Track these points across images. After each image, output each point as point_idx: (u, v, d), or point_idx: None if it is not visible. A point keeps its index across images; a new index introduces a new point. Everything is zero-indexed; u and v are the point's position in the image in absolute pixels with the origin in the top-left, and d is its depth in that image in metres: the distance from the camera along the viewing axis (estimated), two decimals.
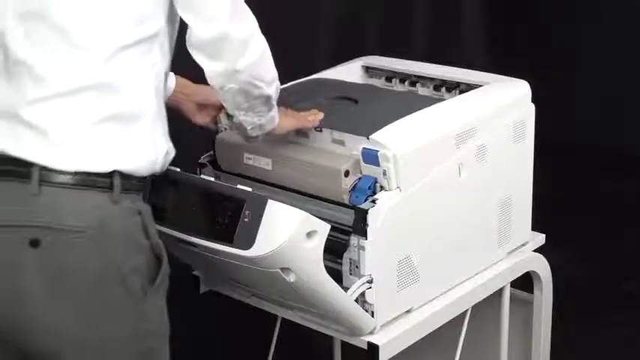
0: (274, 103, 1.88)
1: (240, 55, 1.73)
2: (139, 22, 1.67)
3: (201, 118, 2.14)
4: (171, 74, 2.09)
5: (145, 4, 1.68)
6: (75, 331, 1.67)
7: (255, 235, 1.76)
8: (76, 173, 1.64)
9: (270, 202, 1.76)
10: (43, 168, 1.64)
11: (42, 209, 1.64)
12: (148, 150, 1.72)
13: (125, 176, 1.67)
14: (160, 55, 1.73)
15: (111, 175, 1.66)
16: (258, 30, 1.77)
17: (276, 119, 1.92)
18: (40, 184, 1.64)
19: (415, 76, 2.36)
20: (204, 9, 1.70)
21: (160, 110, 1.76)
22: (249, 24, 1.75)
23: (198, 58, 1.74)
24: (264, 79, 1.79)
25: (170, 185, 1.91)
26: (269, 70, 1.81)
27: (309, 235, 1.77)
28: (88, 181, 1.65)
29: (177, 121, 2.31)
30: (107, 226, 1.66)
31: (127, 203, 1.68)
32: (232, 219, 1.79)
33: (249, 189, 1.81)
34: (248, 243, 1.77)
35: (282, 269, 1.78)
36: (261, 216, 1.76)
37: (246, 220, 1.78)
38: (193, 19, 1.70)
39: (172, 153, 1.80)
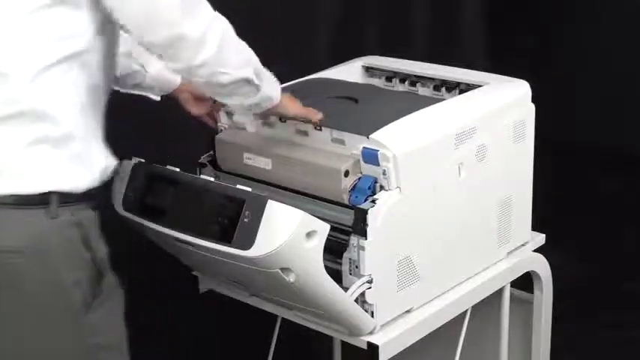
0: (260, 82, 1.81)
1: (197, 53, 1.68)
2: (59, 41, 1.64)
3: (197, 109, 2.14)
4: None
5: (63, 23, 1.64)
6: (15, 351, 1.66)
7: (255, 235, 1.76)
8: (11, 196, 1.63)
9: (270, 202, 1.75)
10: None
11: None
12: (84, 168, 1.70)
13: (62, 194, 1.66)
14: (87, 71, 1.69)
15: (47, 194, 1.65)
16: (214, 15, 1.70)
17: (273, 98, 1.88)
18: None
19: (415, 76, 2.36)
20: (153, 15, 1.63)
21: (94, 126, 1.74)
22: (202, 17, 1.67)
23: (153, 55, 1.72)
24: (230, 65, 1.73)
25: (169, 185, 1.91)
26: (233, 55, 1.74)
27: (309, 235, 1.77)
28: (22, 200, 1.64)
29: (177, 122, 2.33)
30: (44, 242, 1.64)
31: (65, 216, 1.66)
32: (232, 219, 1.79)
33: (249, 189, 1.81)
34: (248, 243, 1.76)
35: (282, 269, 1.78)
36: (260, 216, 1.75)
37: (245, 220, 1.77)
38: (141, 25, 1.65)
39: (112, 166, 1.77)
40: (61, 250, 1.66)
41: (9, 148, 1.64)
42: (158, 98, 2.15)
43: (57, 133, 1.65)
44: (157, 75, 2.09)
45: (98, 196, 1.74)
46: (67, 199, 1.66)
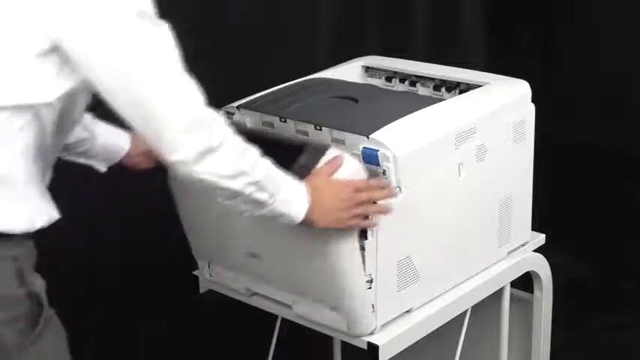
0: (262, 196, 1.71)
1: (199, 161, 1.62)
2: (25, 87, 1.58)
3: (146, 161, 2.08)
4: (123, 133, 2.03)
5: (42, 74, 1.58)
6: None
7: (310, 172, 1.83)
8: None
9: (331, 149, 1.85)
10: None
11: None
12: (22, 214, 1.63)
13: None
14: (39, 123, 1.62)
15: None
16: (217, 125, 1.65)
17: (292, 216, 1.77)
18: None
19: (415, 76, 2.36)
20: (154, 132, 1.60)
21: (37, 177, 1.67)
22: (202, 133, 1.61)
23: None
24: (217, 173, 1.65)
25: None
26: (225, 163, 1.66)
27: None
28: None
29: None
30: None
31: None
32: (288, 162, 1.83)
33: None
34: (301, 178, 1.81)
35: None
36: (319, 159, 1.83)
37: (302, 162, 1.84)
38: (137, 124, 1.61)
39: (55, 217, 1.70)
40: None
41: None
42: (104, 169, 2.07)
43: None
44: (106, 144, 2.03)
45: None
46: (1, 235, 1.60)
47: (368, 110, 2.10)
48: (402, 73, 2.38)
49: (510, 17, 3.93)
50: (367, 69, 2.44)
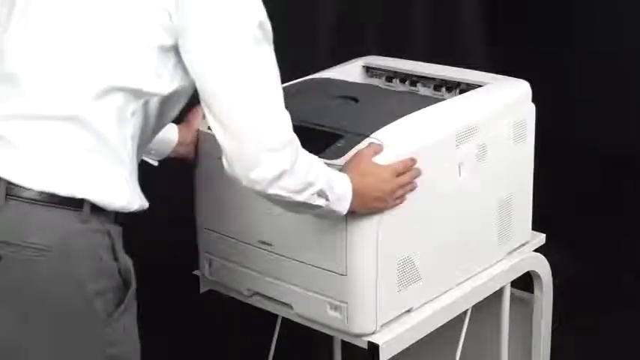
0: (320, 201, 1.78)
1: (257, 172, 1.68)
2: (147, 77, 1.66)
3: (192, 153, 2.13)
4: (172, 125, 2.07)
5: (161, 66, 1.67)
6: (33, 353, 1.63)
7: (346, 152, 1.88)
8: (42, 193, 1.61)
9: (368, 139, 1.89)
10: (10, 183, 1.61)
11: (5, 223, 1.61)
12: (123, 191, 1.69)
13: (96, 204, 1.65)
14: (146, 111, 1.70)
15: (81, 200, 1.63)
16: (296, 145, 1.71)
17: (337, 212, 1.82)
18: (7, 198, 1.61)
19: (415, 76, 2.36)
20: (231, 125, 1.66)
21: (135, 163, 1.74)
22: (288, 152, 1.68)
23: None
24: (288, 189, 1.72)
25: None
26: (295, 179, 1.72)
27: None
28: (55, 199, 1.61)
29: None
30: (72, 246, 1.62)
31: (95, 224, 1.64)
32: (323, 144, 1.90)
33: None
34: (338, 155, 1.87)
35: None
36: (355, 144, 1.89)
37: (339, 145, 1.90)
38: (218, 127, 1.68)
39: (146, 206, 1.76)
40: (89, 256, 1.64)
41: (52, 145, 1.63)
42: (156, 163, 2.12)
43: (108, 151, 1.66)
44: (157, 137, 2.02)
45: (123, 218, 1.73)
46: (98, 209, 1.65)
47: (368, 110, 2.11)
48: (402, 73, 2.38)
49: (510, 17, 3.93)
50: (367, 69, 2.44)
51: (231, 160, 1.68)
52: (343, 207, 1.82)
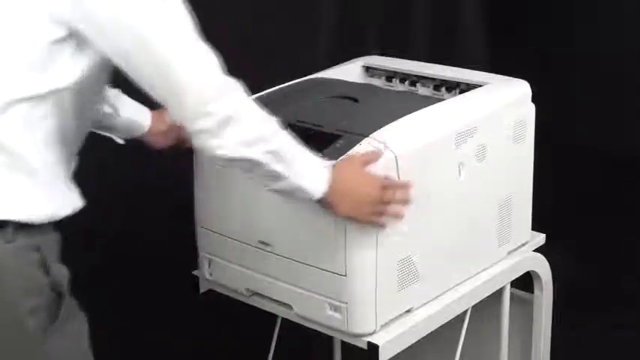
0: (280, 169, 1.72)
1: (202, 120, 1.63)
2: (43, 75, 1.61)
3: (164, 142, 2.13)
4: (146, 110, 2.08)
5: (59, 60, 1.62)
6: None
7: (347, 151, 1.87)
8: None
9: (367, 139, 1.89)
10: None
11: None
12: (44, 203, 1.66)
13: (19, 222, 1.62)
14: (60, 109, 1.66)
15: (3, 220, 1.60)
16: (239, 93, 1.68)
17: (308, 191, 1.76)
18: None
19: (415, 76, 2.36)
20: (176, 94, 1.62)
21: (61, 164, 1.70)
22: (228, 98, 1.64)
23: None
24: (230, 140, 1.66)
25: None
26: (240, 132, 1.66)
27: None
28: None
29: None
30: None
31: (22, 241, 1.61)
32: (323, 144, 1.89)
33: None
34: (335, 157, 1.86)
35: None
36: (354, 144, 1.88)
37: (338, 145, 1.89)
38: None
39: (79, 206, 1.73)
40: (16, 275, 1.60)
41: None
42: (122, 142, 2.11)
43: (19, 164, 1.62)
44: (129, 119, 2.07)
45: (60, 223, 1.69)
46: (24, 225, 1.62)
47: (368, 110, 2.11)
48: (402, 73, 2.38)
49: (510, 17, 3.93)
50: (367, 69, 2.44)
51: (182, 121, 1.64)
52: (310, 187, 1.76)
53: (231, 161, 1.69)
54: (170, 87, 1.62)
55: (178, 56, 1.61)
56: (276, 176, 1.73)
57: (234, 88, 1.67)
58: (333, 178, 1.78)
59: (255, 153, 1.68)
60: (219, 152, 1.65)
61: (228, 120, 1.63)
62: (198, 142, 1.66)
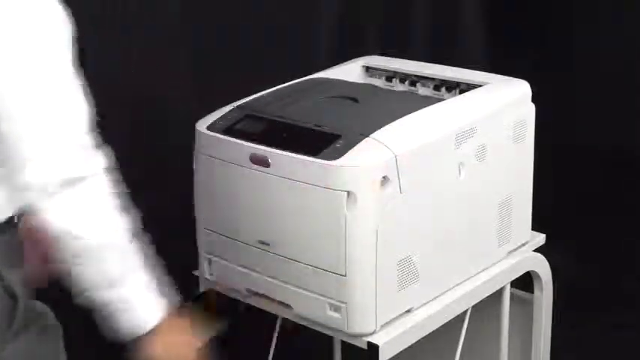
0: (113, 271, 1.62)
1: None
2: None
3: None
4: None
5: None
6: None
7: (347, 151, 1.87)
8: None
9: (367, 138, 1.88)
10: None
11: None
12: None
13: None
14: None
15: None
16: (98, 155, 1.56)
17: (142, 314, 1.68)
18: None
19: (415, 76, 2.36)
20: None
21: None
22: (81, 157, 1.52)
23: None
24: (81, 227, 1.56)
25: (264, 120, 2.01)
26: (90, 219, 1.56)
27: (384, 179, 1.85)
28: None
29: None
30: None
31: None
32: (322, 144, 1.89)
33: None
34: (334, 157, 1.86)
35: (349, 193, 1.84)
36: (354, 144, 1.88)
37: (338, 145, 1.89)
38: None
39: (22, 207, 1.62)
40: None
41: None
42: None
43: None
44: None
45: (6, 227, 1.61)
46: None
47: (368, 110, 2.11)
48: (402, 73, 2.38)
49: (510, 17, 3.93)
50: (367, 69, 2.44)
51: (10, 163, 1.50)
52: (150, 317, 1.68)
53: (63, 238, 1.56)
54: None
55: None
56: (108, 280, 1.61)
57: (94, 148, 1.55)
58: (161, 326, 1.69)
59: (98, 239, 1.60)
60: (52, 226, 1.53)
61: (73, 181, 1.51)
62: (29, 200, 1.53)
